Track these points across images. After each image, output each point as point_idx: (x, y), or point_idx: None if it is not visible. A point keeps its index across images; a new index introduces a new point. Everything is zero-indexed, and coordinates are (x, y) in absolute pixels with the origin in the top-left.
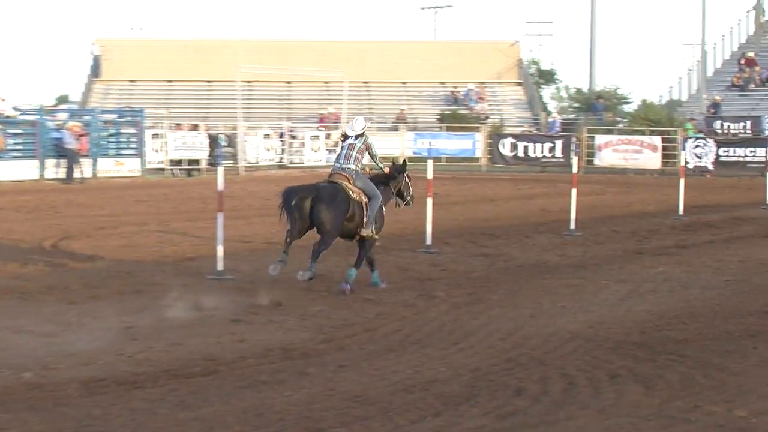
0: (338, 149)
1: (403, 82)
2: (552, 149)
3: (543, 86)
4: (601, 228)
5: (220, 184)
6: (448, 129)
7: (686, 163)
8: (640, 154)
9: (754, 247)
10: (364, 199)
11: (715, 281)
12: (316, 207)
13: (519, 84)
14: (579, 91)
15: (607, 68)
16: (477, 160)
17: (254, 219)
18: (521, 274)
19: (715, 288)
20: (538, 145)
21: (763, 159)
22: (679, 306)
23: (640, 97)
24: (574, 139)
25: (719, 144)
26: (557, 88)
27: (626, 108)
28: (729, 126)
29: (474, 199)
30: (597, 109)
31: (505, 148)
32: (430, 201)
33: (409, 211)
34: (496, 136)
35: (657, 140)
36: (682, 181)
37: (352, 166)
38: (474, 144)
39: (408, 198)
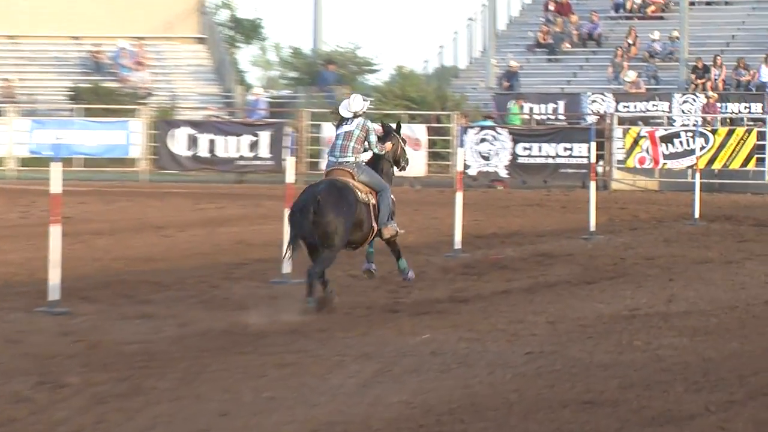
0: (333, 139)
1: (11, 37)
2: (254, 145)
3: (240, 45)
4: (334, 272)
5: None
6: (87, 113)
7: (466, 167)
8: None
9: (571, 300)
10: (372, 200)
11: (511, 354)
12: (319, 215)
13: (200, 40)
14: (297, 52)
15: (341, 19)
16: (133, 162)
17: None
18: (206, 347)
19: (512, 365)
20: (232, 139)
21: (585, 160)
22: (456, 394)
23: (393, 63)
24: (289, 130)
25: (516, 137)
26: (263, 48)
27: (372, 80)
28: (531, 108)
29: (129, 227)
30: (326, 81)
31: (178, 143)
32: (57, 230)
33: (25, 246)
34: (164, 124)
35: (421, 131)
36: (459, 196)
37: (351, 159)
38: (128, 137)
39: (403, 164)
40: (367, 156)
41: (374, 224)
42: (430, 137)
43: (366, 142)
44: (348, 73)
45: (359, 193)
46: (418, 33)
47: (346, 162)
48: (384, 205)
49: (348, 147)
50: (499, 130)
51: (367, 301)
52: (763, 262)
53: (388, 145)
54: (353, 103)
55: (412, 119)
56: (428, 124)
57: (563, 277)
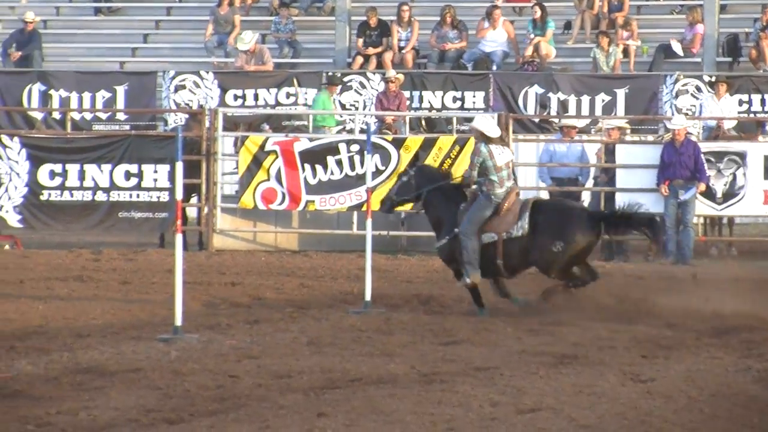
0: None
1: None
2: None
3: None
4: None
5: None
6: None
7: None
8: None
9: None
10: None
11: None
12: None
13: None
14: None
15: None
16: None
17: None
18: None
19: None
20: None
21: (165, 196)
22: None
23: None
24: None
25: (39, 154)
26: None
27: None
28: (72, 98)
29: None
30: None
31: None
32: None
33: None
34: None
35: None
36: None
37: None
38: None
39: None
40: None
41: None
42: None
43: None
44: None
45: None
46: None
47: None
48: None
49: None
50: (6, 140)
51: None
52: (487, 381)
53: None
54: (493, 124)
55: None
56: None
57: (125, 413)
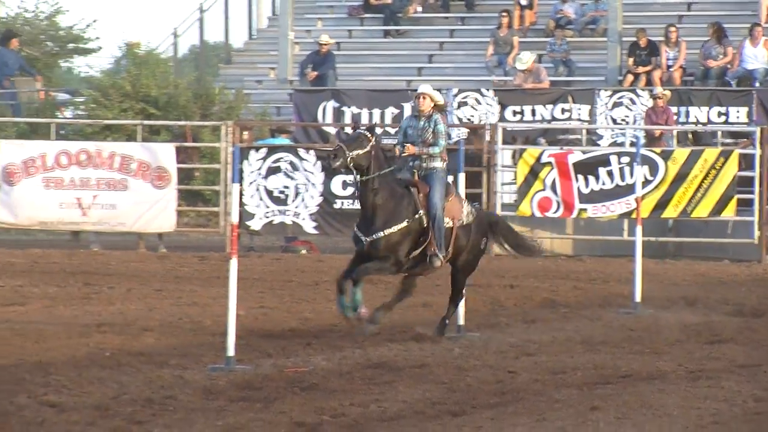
0: None
1: None
2: None
3: None
4: None
5: None
6: None
7: (246, 216)
8: (120, 194)
9: None
10: None
11: None
12: None
13: None
14: None
15: None
16: None
17: None
18: None
19: None
20: None
21: None
22: None
23: (119, 37)
24: None
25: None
26: None
27: (84, 68)
28: (357, 115)
29: None
30: (5, 67)
31: None
32: None
33: None
34: None
35: (167, 154)
36: (234, 267)
37: None
38: None
39: None
40: None
41: None
42: (183, 165)
43: None
44: (41, 55)
45: None
46: None
47: None
48: None
49: None
50: (302, 153)
51: None
52: (751, 377)
53: None
54: None
55: (153, 134)
56: (179, 143)
57: (412, 405)
